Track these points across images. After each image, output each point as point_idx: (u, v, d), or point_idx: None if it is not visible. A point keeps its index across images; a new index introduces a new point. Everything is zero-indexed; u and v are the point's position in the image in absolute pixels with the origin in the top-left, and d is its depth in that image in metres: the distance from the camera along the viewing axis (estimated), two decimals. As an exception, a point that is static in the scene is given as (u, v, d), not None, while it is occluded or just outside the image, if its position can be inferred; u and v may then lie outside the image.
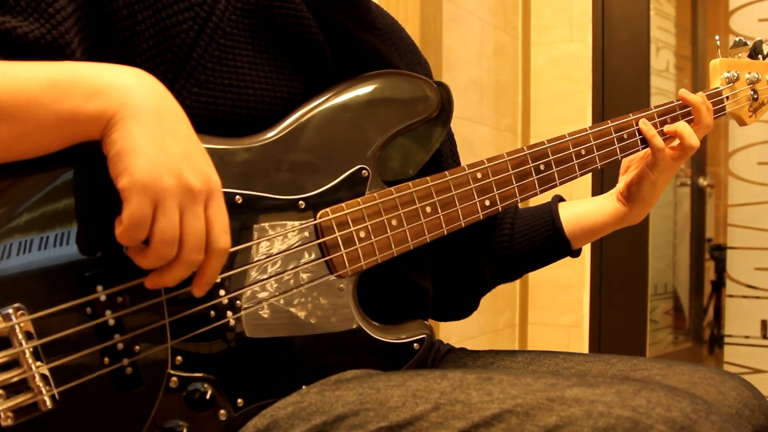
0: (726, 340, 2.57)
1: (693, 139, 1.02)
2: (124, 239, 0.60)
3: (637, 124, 1.02)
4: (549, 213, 1.06)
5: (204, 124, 0.73)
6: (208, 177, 0.63)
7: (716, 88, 1.13)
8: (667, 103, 1.06)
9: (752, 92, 1.17)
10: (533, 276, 2.52)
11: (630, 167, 1.07)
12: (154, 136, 0.60)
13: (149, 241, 0.60)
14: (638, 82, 2.42)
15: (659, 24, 3.08)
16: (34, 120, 0.59)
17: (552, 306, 2.52)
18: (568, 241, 1.05)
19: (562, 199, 1.09)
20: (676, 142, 1.03)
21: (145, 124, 0.60)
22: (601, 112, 2.43)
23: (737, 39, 1.19)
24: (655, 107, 1.05)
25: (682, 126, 1.03)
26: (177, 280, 0.63)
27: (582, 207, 1.07)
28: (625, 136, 1.01)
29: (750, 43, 1.18)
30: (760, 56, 1.19)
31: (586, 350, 2.47)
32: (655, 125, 1.03)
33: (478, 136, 2.30)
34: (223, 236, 0.64)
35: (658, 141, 1.01)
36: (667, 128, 1.03)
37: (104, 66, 0.63)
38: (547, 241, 1.05)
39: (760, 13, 2.44)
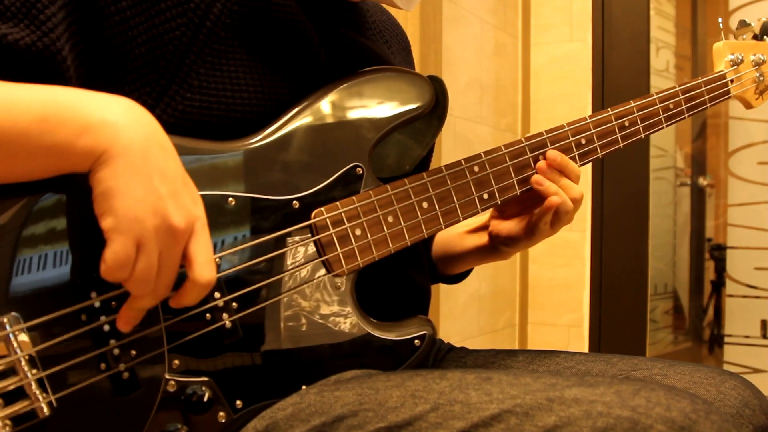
0: (726, 339, 2.56)
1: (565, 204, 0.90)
2: (107, 277, 0.60)
3: (637, 112, 0.97)
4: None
5: (198, 128, 0.73)
6: (192, 215, 0.62)
7: (720, 72, 1.09)
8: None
9: (758, 74, 1.13)
10: (533, 276, 2.53)
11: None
12: (142, 176, 0.60)
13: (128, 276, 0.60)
14: (638, 82, 2.42)
15: (659, 24, 3.08)
16: (25, 153, 0.59)
17: (552, 306, 2.52)
18: (434, 266, 1.01)
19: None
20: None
21: (133, 163, 0.60)
22: (600, 112, 2.43)
23: (741, 20, 1.16)
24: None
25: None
26: (144, 310, 0.63)
27: (459, 229, 1.02)
28: (627, 123, 0.98)
29: (754, 24, 1.14)
30: (766, 37, 1.14)
31: (586, 350, 2.47)
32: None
33: (478, 135, 2.29)
34: (207, 268, 0.63)
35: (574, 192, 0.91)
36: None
37: (95, 98, 0.62)
38: None
39: (760, 13, 2.42)
